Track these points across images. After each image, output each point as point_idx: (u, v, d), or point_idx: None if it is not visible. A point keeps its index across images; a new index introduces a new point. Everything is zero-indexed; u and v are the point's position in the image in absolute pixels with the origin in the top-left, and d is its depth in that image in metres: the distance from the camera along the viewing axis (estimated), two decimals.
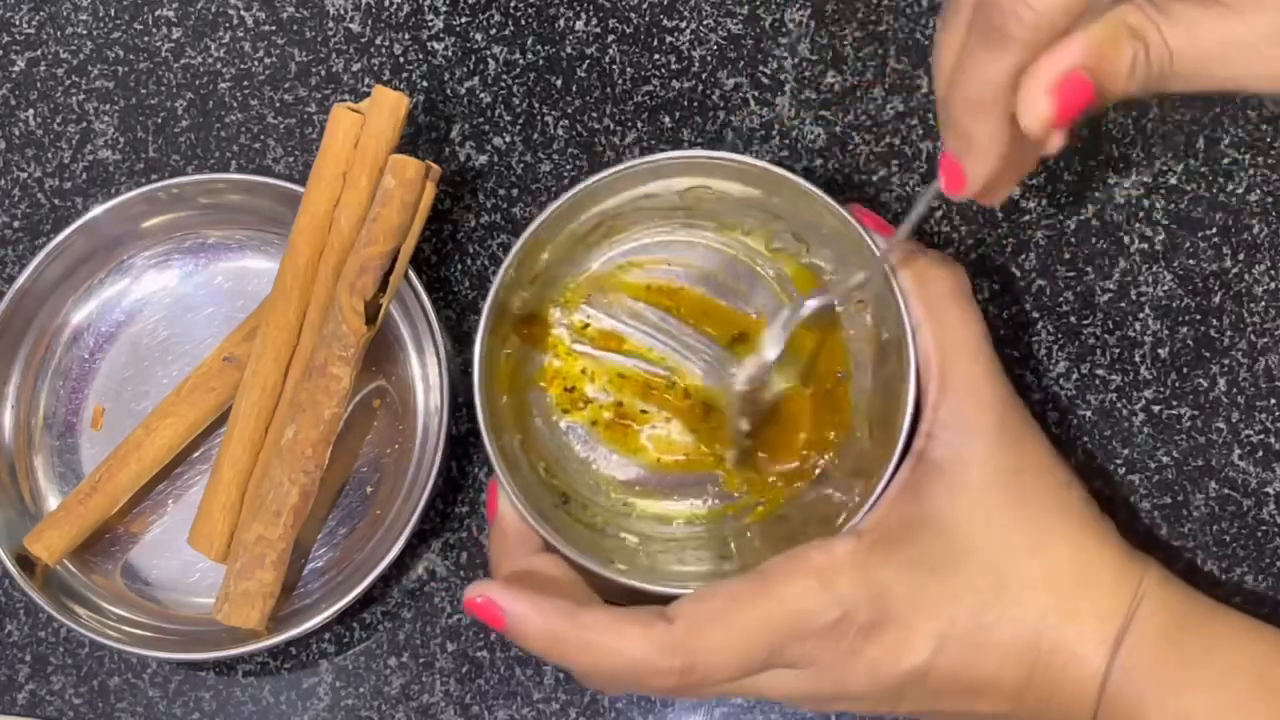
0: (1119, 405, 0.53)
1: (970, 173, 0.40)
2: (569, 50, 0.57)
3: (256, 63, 0.58)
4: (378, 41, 0.58)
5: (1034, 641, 0.41)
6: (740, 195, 0.49)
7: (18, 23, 0.59)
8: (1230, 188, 0.55)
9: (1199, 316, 0.54)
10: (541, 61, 0.57)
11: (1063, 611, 0.41)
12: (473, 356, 0.47)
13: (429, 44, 0.58)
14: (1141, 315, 0.54)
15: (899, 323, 0.45)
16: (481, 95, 0.57)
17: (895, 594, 0.41)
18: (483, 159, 0.57)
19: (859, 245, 0.46)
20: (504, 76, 0.57)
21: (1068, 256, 0.55)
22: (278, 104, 0.58)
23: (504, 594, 0.42)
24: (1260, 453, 0.53)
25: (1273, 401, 0.53)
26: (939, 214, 0.55)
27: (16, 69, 0.59)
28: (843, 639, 0.41)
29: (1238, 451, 0.53)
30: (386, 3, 0.58)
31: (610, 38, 0.57)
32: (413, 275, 0.52)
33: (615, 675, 0.41)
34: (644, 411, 0.51)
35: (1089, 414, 0.53)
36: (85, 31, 0.59)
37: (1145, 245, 0.54)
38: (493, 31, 0.58)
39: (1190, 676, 0.41)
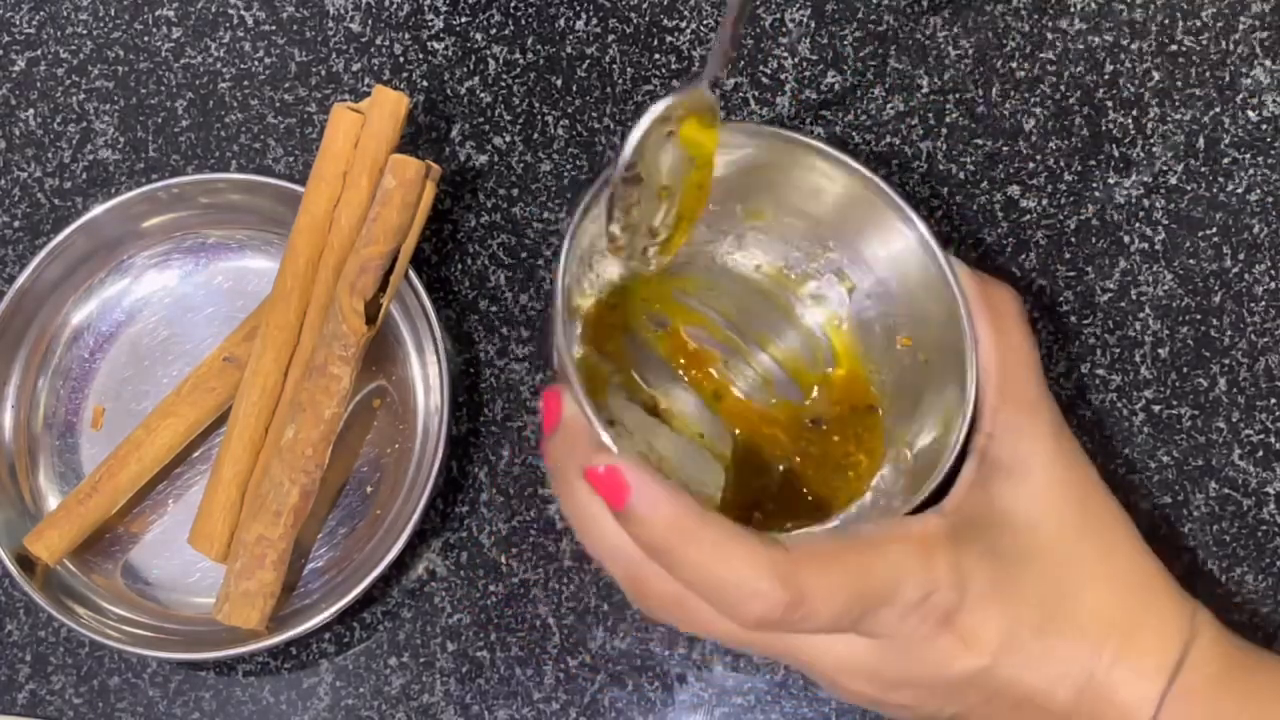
0: (1119, 405, 0.53)
1: None
2: (569, 50, 0.57)
3: (256, 63, 0.58)
4: (378, 41, 0.58)
5: (1092, 658, 0.40)
6: (802, 211, 0.47)
7: (18, 23, 0.59)
8: (1230, 188, 0.55)
9: (1199, 316, 0.54)
10: (541, 61, 0.57)
11: (1127, 627, 0.41)
12: (565, 236, 0.43)
13: (429, 44, 0.58)
14: (1141, 315, 0.54)
15: (950, 333, 0.44)
16: (481, 95, 0.57)
17: (975, 581, 0.40)
18: (483, 159, 0.57)
19: (934, 280, 0.45)
20: (504, 76, 0.57)
21: (1068, 256, 0.55)
22: (278, 104, 0.58)
23: (635, 469, 0.39)
24: (1260, 453, 0.53)
25: (1273, 401, 0.53)
26: (939, 213, 0.55)
27: (16, 69, 0.59)
28: (925, 620, 0.39)
29: (1238, 451, 0.53)
30: (386, 3, 0.58)
31: (610, 38, 0.57)
32: (413, 275, 0.52)
33: (720, 589, 0.38)
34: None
35: (1089, 414, 0.53)
36: (85, 31, 0.59)
37: (1145, 245, 0.54)
38: (493, 31, 0.58)
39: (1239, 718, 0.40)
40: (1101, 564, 0.41)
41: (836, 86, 0.56)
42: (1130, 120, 0.55)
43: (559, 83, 0.57)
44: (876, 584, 0.39)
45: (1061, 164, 0.55)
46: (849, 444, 0.48)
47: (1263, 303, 0.54)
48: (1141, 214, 0.55)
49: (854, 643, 0.40)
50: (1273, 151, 0.55)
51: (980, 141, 0.56)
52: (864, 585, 0.39)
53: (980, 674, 0.40)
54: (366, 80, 0.58)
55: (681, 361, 0.49)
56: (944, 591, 0.39)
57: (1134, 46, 0.56)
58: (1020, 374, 0.44)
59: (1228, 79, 0.55)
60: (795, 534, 0.40)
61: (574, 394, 0.41)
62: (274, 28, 0.58)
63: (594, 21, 0.58)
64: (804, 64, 0.57)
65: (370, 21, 0.58)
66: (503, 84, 0.57)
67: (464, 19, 0.58)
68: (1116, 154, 0.55)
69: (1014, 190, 0.55)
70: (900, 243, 0.46)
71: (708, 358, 0.49)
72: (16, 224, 0.58)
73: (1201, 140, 0.55)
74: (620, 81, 0.57)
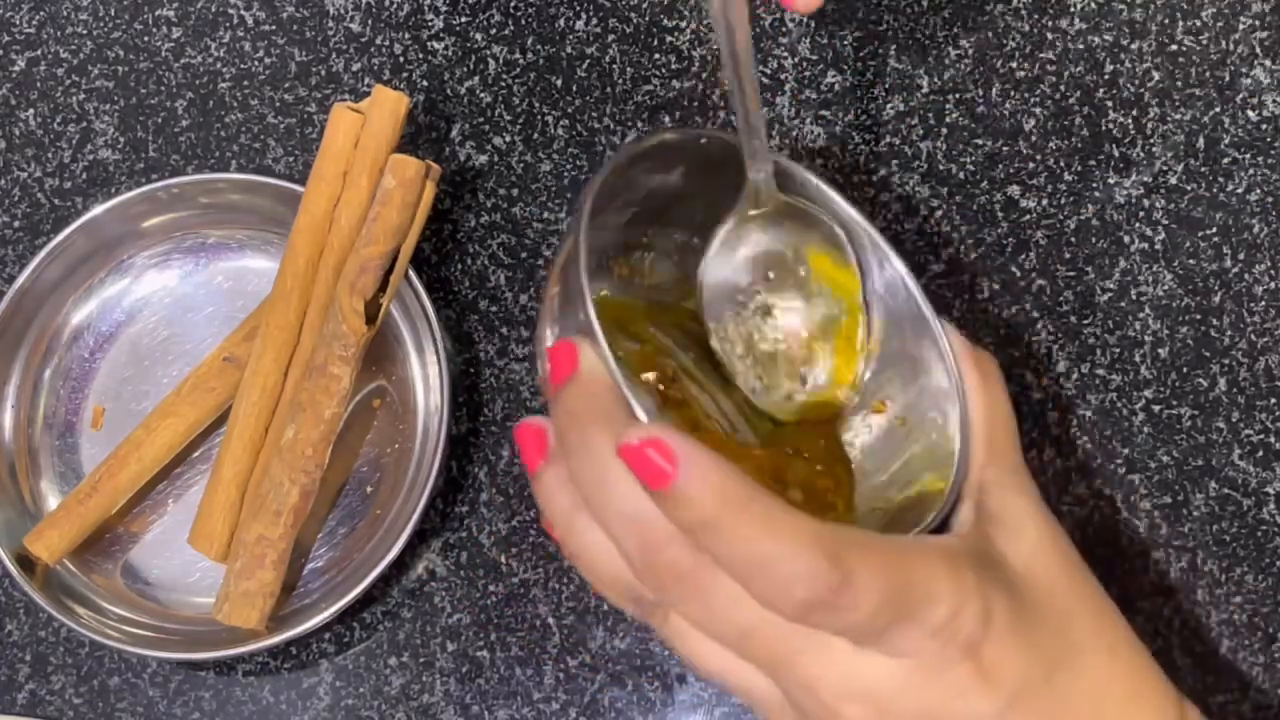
0: (1119, 405, 0.53)
1: None
2: (569, 50, 0.57)
3: (256, 63, 0.58)
4: (378, 41, 0.58)
5: None
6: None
7: (18, 23, 0.59)
8: (1230, 188, 0.55)
9: (1199, 316, 0.54)
10: (541, 61, 0.57)
11: (1121, 709, 0.39)
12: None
13: (429, 44, 0.58)
14: (1141, 315, 0.54)
15: (930, 391, 0.43)
16: (481, 95, 0.57)
17: (998, 610, 0.37)
18: (483, 159, 0.57)
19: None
20: (504, 76, 0.57)
21: (1068, 256, 0.55)
22: (278, 104, 0.58)
23: (681, 439, 0.34)
24: (1260, 452, 0.53)
25: (1273, 401, 0.53)
26: (939, 213, 0.55)
27: (16, 69, 0.59)
28: (950, 641, 0.37)
29: (1238, 451, 0.53)
30: (386, 2, 0.58)
31: (610, 37, 0.57)
32: (413, 275, 0.52)
33: (765, 565, 0.34)
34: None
35: (1089, 414, 0.53)
36: (85, 31, 0.59)
37: (1145, 245, 0.54)
38: (493, 31, 0.58)
39: None
40: (1096, 637, 0.40)
41: (836, 86, 0.56)
42: (1130, 120, 0.55)
43: (559, 83, 0.57)
44: (914, 586, 0.36)
45: (1061, 164, 0.55)
46: (829, 478, 0.45)
47: (1263, 303, 0.54)
48: (1141, 214, 0.55)
49: (871, 661, 0.37)
50: (1273, 151, 0.55)
51: (980, 141, 0.56)
52: (903, 584, 0.36)
53: (991, 719, 0.38)
54: (366, 80, 0.58)
55: (656, 386, 0.46)
56: (971, 612, 0.37)
57: (1134, 46, 0.56)
58: (1005, 435, 0.43)
59: (1228, 79, 0.55)
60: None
61: (594, 345, 0.37)
62: (274, 28, 0.58)
63: (594, 21, 0.58)
64: (804, 64, 0.57)
65: (370, 21, 0.58)
66: (503, 84, 0.57)
67: (464, 19, 0.58)
68: (1116, 154, 0.55)
69: (1014, 190, 0.55)
70: (885, 294, 0.45)
71: (679, 385, 0.46)
72: (16, 224, 0.58)
73: (1201, 140, 0.55)
74: (620, 81, 0.57)
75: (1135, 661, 0.40)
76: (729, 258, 0.45)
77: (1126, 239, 0.54)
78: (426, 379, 0.54)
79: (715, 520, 0.34)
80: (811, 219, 0.44)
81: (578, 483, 0.37)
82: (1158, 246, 0.54)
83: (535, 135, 0.57)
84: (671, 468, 0.34)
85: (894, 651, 0.37)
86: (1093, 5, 0.56)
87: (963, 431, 0.43)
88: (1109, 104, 0.55)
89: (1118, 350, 0.54)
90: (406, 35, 0.58)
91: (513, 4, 0.58)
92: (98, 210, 0.54)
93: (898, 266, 0.44)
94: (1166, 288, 0.54)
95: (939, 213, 0.55)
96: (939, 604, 0.36)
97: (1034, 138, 0.55)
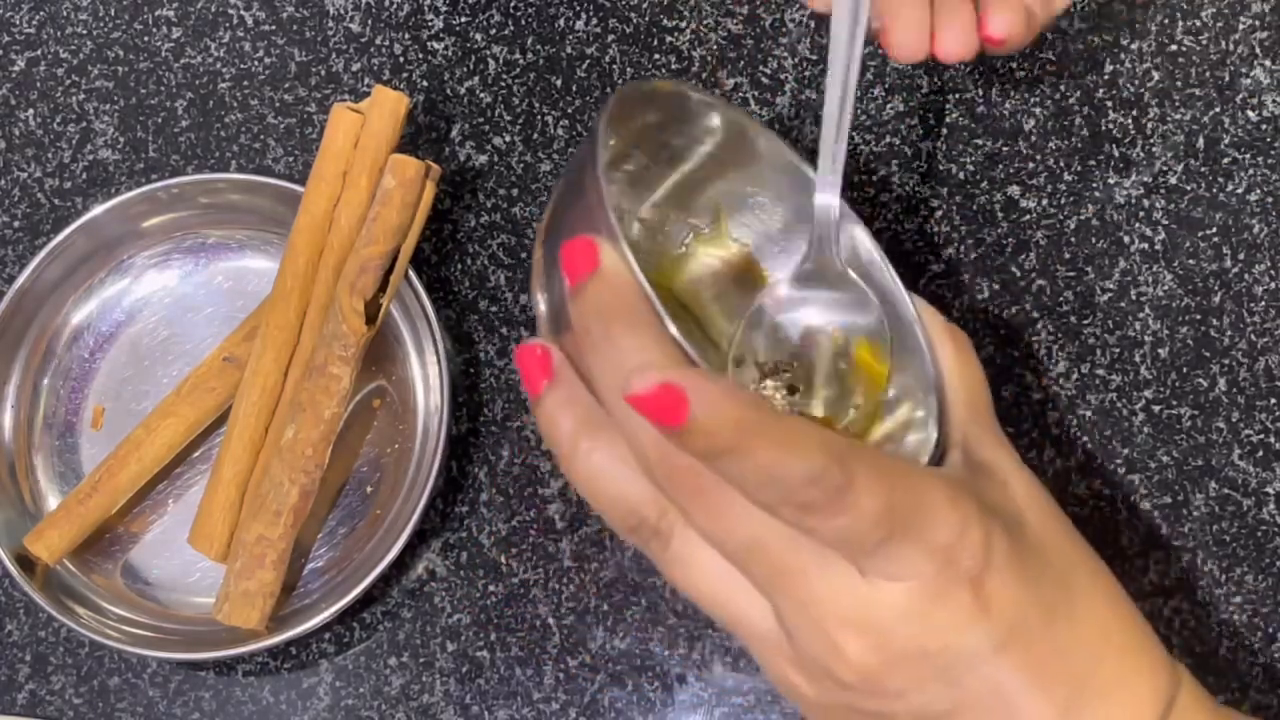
0: (1119, 405, 0.53)
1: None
2: (569, 50, 0.57)
3: (256, 63, 0.58)
4: (378, 41, 0.58)
5: (1082, 685, 0.38)
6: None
7: (18, 23, 0.59)
8: (1230, 188, 0.55)
9: (1199, 316, 0.54)
10: (541, 61, 0.57)
11: (1115, 662, 0.39)
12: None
13: (429, 44, 0.58)
14: (1141, 315, 0.54)
15: (905, 355, 0.43)
16: (481, 95, 0.57)
17: (997, 540, 0.37)
18: (483, 159, 0.57)
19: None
20: (504, 76, 0.57)
21: (1068, 256, 0.55)
22: (278, 104, 0.58)
23: (687, 375, 0.33)
24: (1260, 453, 0.53)
25: (1273, 401, 0.53)
26: (939, 213, 0.55)
27: (16, 69, 0.59)
28: (949, 566, 0.36)
29: (1238, 451, 0.53)
30: (386, 3, 0.58)
31: (610, 38, 0.57)
32: (413, 275, 0.52)
33: (782, 479, 0.34)
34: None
35: (1089, 414, 0.53)
36: (85, 31, 0.59)
37: (1145, 245, 0.54)
38: (493, 31, 0.58)
39: None
40: (1093, 588, 0.39)
41: None
42: (1130, 120, 0.55)
43: (559, 83, 0.57)
44: (915, 503, 0.36)
45: (1061, 164, 0.55)
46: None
47: (1263, 303, 0.54)
48: (1141, 214, 0.55)
49: (872, 585, 0.36)
50: (1273, 151, 0.55)
51: (980, 141, 0.56)
52: (905, 499, 0.35)
53: (988, 654, 0.37)
54: (366, 80, 0.58)
55: None
56: (974, 538, 0.36)
57: (1134, 46, 0.56)
58: (983, 398, 0.43)
59: (1228, 79, 0.55)
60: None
61: (614, 245, 0.37)
62: (274, 28, 0.58)
63: (594, 21, 0.58)
64: (804, 64, 0.57)
65: (370, 21, 0.58)
66: (503, 84, 0.57)
67: (464, 19, 0.58)
68: (1116, 154, 0.55)
69: (1014, 190, 0.55)
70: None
71: None
72: (16, 224, 0.58)
73: (1201, 140, 0.55)
74: (620, 81, 0.57)
75: (1132, 618, 0.40)
76: (775, 315, 0.44)
77: (1126, 239, 0.55)
78: (426, 379, 0.54)
79: (733, 447, 0.34)
80: (867, 301, 0.44)
81: (597, 379, 0.37)
82: (1158, 246, 0.54)
83: (535, 135, 0.57)
84: (685, 404, 0.33)
85: (895, 574, 0.36)
86: (1093, 5, 0.56)
87: (937, 379, 0.42)
88: (1109, 104, 0.55)
89: (1118, 350, 0.54)
90: (406, 35, 0.58)
91: (513, 4, 0.58)
92: (98, 210, 0.54)
93: (861, 236, 0.43)
94: (1166, 288, 0.54)
95: (939, 213, 0.55)
96: (940, 526, 0.36)
97: (1034, 138, 0.55)
